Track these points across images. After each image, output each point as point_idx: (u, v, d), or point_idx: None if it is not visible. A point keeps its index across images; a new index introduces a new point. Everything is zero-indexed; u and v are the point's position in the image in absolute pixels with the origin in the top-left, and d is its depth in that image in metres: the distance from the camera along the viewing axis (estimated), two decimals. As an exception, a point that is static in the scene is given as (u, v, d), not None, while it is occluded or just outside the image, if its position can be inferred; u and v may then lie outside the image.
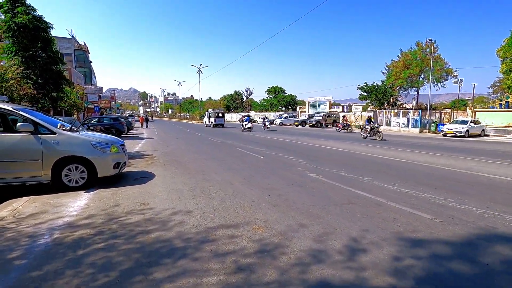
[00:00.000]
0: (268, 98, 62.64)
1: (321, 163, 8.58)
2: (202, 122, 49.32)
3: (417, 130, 28.77)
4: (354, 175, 6.75)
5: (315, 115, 40.55)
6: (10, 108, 5.28)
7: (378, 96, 36.12)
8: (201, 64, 52.84)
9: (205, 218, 3.99)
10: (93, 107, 33.33)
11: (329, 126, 37.50)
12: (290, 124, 45.50)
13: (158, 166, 8.24)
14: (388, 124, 32.28)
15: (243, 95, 73.37)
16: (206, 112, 42.62)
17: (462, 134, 22.14)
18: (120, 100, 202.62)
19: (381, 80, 37.46)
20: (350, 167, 7.94)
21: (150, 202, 4.73)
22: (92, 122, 19.54)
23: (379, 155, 10.50)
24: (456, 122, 24.34)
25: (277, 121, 46.27)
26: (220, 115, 35.86)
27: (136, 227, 3.70)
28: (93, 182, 5.68)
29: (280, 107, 59.16)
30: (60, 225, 3.78)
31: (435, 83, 30.99)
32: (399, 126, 31.33)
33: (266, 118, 34.77)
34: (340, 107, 46.98)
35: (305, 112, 53.01)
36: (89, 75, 59.18)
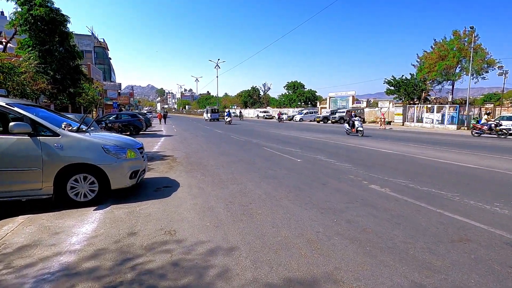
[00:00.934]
0: (287, 93, 60.81)
1: (373, 169, 7.12)
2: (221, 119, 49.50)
3: (454, 127, 26.34)
4: (432, 189, 5.26)
5: (338, 110, 38.59)
6: (3, 104, 4.22)
7: (408, 91, 33.61)
8: (218, 59, 51.79)
9: (260, 264, 2.71)
10: (111, 103, 33.04)
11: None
12: (310, 121, 43.75)
13: (181, 171, 7.08)
14: (420, 120, 29.91)
15: (260, 90, 71.89)
16: (205, 109, 49.77)
17: (512, 132, 19.75)
18: (139, 96, 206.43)
19: (410, 74, 34.89)
20: (414, 174, 6.44)
21: (177, 229, 3.52)
22: (110, 119, 18.86)
23: (437, 158, 8.85)
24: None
25: (297, 117, 44.62)
26: (215, 111, 44.51)
27: (161, 279, 2.47)
28: (105, 195, 4.56)
29: (299, 103, 57.25)
30: (53, 272, 2.62)
31: (474, 76, 28.23)
32: (432, 123, 28.92)
33: (354, 114, 21.35)
34: (364, 103, 44.59)
35: (325, 108, 50.95)
36: (108, 72, 59.77)
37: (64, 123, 4.54)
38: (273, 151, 10.29)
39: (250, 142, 13.65)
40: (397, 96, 36.29)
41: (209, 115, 43.53)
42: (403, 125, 31.40)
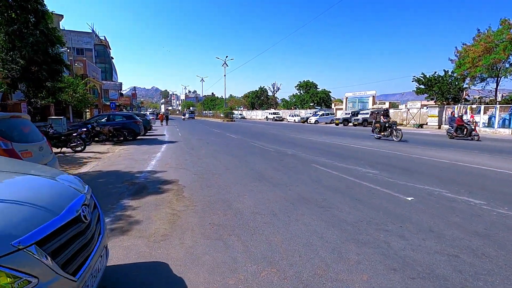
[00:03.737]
0: (299, 94, 56.86)
1: None
2: (227, 120, 46.58)
3: (507, 131, 22.26)
4: None
5: (360, 112, 34.67)
6: None
7: (443, 89, 29.55)
8: (226, 56, 48.21)
9: None
10: (109, 103, 29.53)
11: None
12: (326, 123, 39.93)
13: (195, 231, 3.31)
14: (461, 123, 25.83)
15: (269, 91, 68.13)
16: (186, 111, 73.22)
17: None
18: (143, 98, 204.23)
19: (444, 70, 30.82)
20: None
21: None
22: (101, 121, 15.24)
23: None
24: None
25: (312, 119, 40.83)
26: (192, 112, 66.82)
27: None
28: None
29: (312, 104, 53.31)
30: None
31: (529, 71, 24.13)
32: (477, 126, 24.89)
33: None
34: (387, 103, 40.61)
35: (341, 109, 47.05)
36: (109, 71, 56.63)
37: None
38: (337, 174, 6.46)
39: (284, 153, 9.84)
40: (428, 95, 32.22)
41: (187, 115, 61.42)
42: (439, 128, 27.42)
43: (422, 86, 32.19)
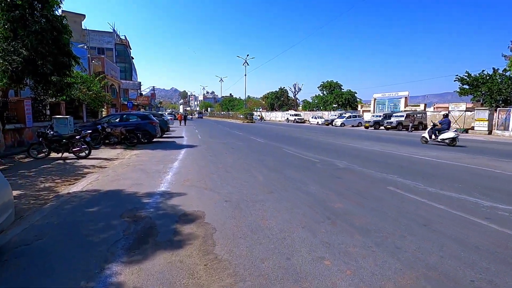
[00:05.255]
0: (322, 95, 53.98)
1: None
2: (247, 122, 44.88)
3: None
4: None
5: (394, 114, 31.57)
6: None
7: (493, 90, 26.08)
8: (247, 55, 46.38)
9: None
10: (126, 103, 28.33)
11: (412, 130, 27.95)
12: (353, 126, 37.02)
13: None
14: (517, 128, 22.47)
15: (289, 91, 65.65)
16: (195, 112, 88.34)
17: None
18: (162, 99, 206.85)
19: (493, 68, 27.31)
20: None
21: None
22: (114, 121, 13.59)
23: None
24: None
25: (338, 122, 38.02)
26: (201, 114, 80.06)
27: None
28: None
29: (336, 105, 50.34)
30: None
31: None
32: (538, 132, 21.44)
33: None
34: (421, 105, 37.14)
35: (368, 111, 43.86)
36: (129, 71, 56.34)
37: None
38: (447, 209, 4.15)
39: (334, 166, 7.58)
40: (473, 97, 28.74)
41: (196, 115, 76.64)
42: (490, 133, 24.05)
43: (466, 86, 28.76)
